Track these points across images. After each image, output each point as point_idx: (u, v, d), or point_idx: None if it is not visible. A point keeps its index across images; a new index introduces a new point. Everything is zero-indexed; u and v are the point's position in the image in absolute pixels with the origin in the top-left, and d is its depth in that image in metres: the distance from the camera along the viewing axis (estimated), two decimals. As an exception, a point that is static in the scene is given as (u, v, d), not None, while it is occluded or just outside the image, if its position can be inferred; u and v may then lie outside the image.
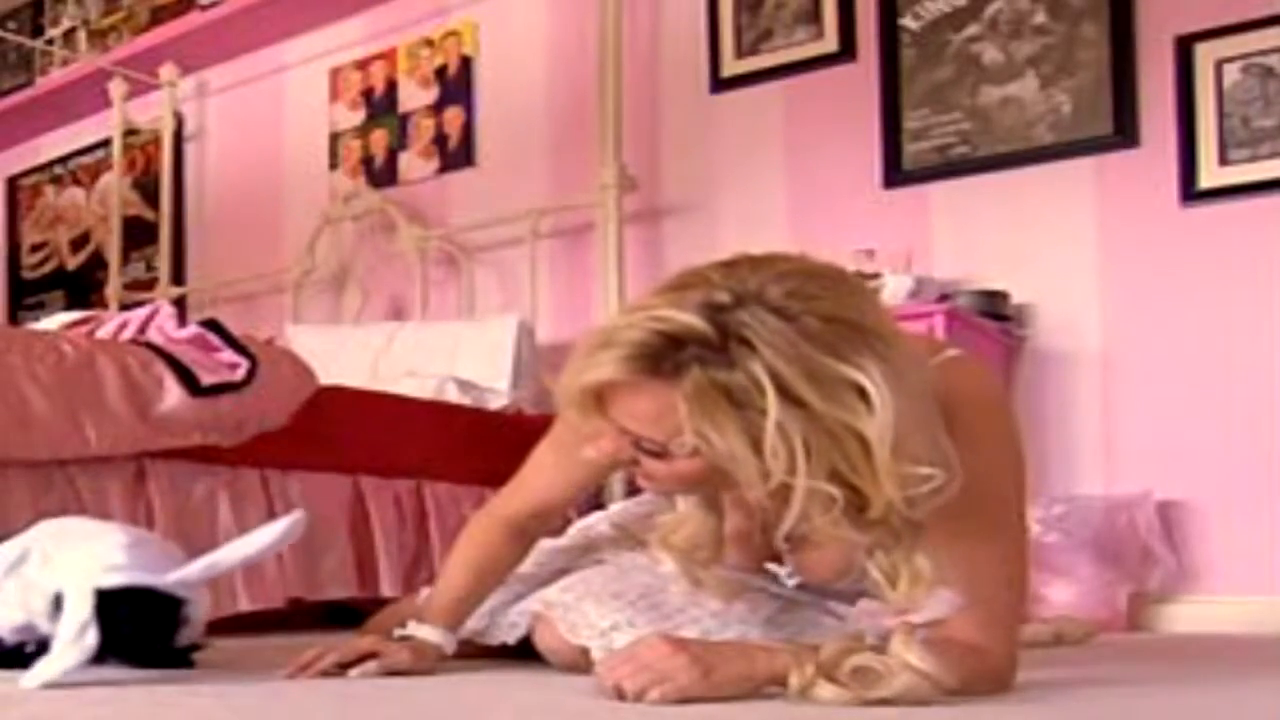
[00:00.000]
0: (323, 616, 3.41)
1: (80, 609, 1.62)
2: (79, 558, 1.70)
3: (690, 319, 1.35)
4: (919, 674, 1.40)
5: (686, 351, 1.35)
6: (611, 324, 1.43)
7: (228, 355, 2.96)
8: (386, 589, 3.22)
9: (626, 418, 1.43)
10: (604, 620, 1.79)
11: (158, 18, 5.90)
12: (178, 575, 1.71)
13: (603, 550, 2.10)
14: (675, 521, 1.68)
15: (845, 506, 1.37)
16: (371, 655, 1.79)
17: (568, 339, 4.28)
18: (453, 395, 3.91)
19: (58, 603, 1.66)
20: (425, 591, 2.14)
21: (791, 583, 1.81)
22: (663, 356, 1.36)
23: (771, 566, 1.81)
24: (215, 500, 2.96)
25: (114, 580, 1.65)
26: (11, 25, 6.63)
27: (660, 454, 1.45)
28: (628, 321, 1.40)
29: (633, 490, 2.64)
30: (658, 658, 1.45)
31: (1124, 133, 3.51)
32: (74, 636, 1.60)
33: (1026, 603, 1.63)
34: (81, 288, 6.31)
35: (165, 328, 3.06)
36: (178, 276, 5.78)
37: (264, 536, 1.74)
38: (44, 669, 1.58)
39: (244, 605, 2.84)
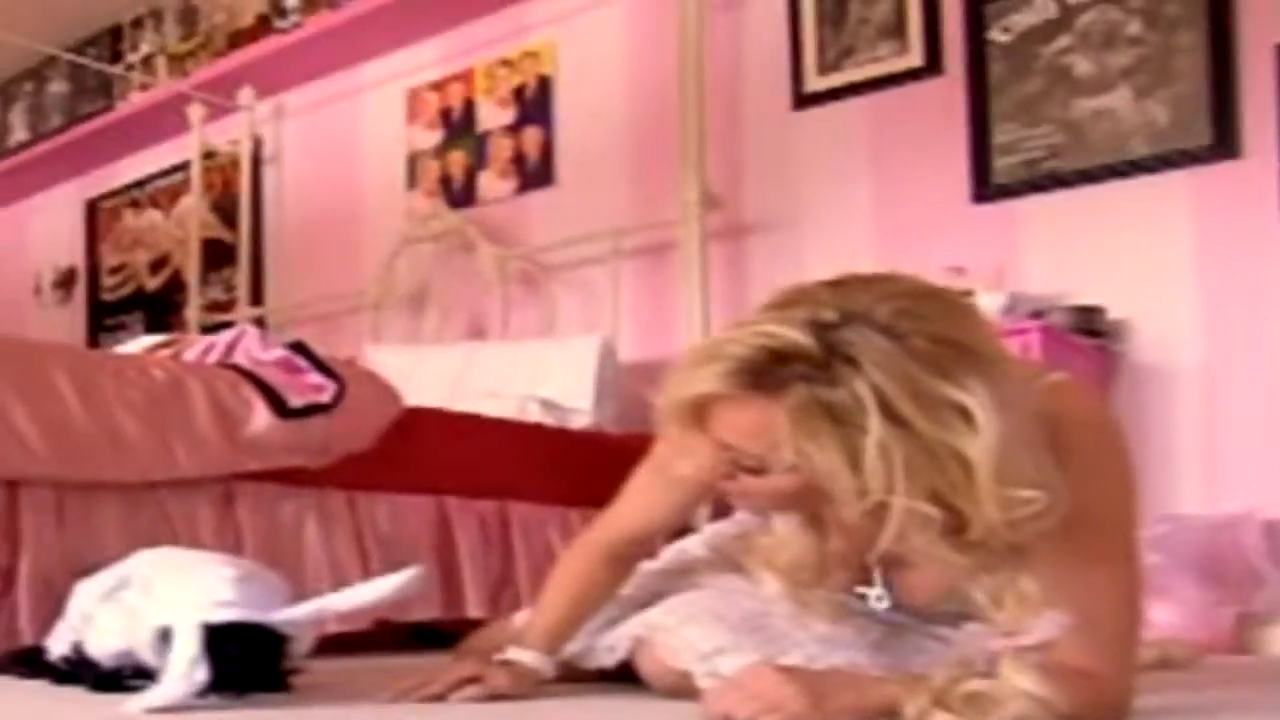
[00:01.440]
0: (406, 638, 3.40)
1: (189, 644, 1.61)
2: (186, 591, 1.70)
3: (796, 335, 1.35)
4: (1033, 699, 1.38)
5: (791, 368, 1.35)
6: (717, 338, 1.44)
7: (314, 377, 2.97)
8: (472, 610, 3.21)
9: (727, 431, 1.43)
10: (707, 644, 1.76)
11: (235, 42, 5.97)
12: (286, 615, 1.71)
13: (699, 573, 2.08)
14: (778, 543, 1.68)
15: (944, 528, 1.37)
16: (472, 679, 1.79)
17: (651, 358, 4.26)
18: (535, 415, 3.89)
19: (164, 635, 1.66)
20: (522, 615, 2.15)
21: (881, 605, 1.78)
22: (767, 372, 1.36)
23: (860, 589, 1.78)
24: (302, 522, 2.96)
25: (223, 616, 1.65)
26: (91, 51, 6.74)
27: (758, 470, 1.45)
28: (733, 336, 1.40)
29: (718, 513, 2.61)
30: (767, 686, 1.44)
31: (1224, 144, 3.43)
32: (184, 672, 1.59)
33: (1141, 628, 1.58)
34: (160, 309, 6.38)
35: (251, 350, 3.07)
36: (256, 298, 5.83)
37: (380, 588, 1.73)
38: (151, 699, 1.57)
39: (332, 627, 2.83)
